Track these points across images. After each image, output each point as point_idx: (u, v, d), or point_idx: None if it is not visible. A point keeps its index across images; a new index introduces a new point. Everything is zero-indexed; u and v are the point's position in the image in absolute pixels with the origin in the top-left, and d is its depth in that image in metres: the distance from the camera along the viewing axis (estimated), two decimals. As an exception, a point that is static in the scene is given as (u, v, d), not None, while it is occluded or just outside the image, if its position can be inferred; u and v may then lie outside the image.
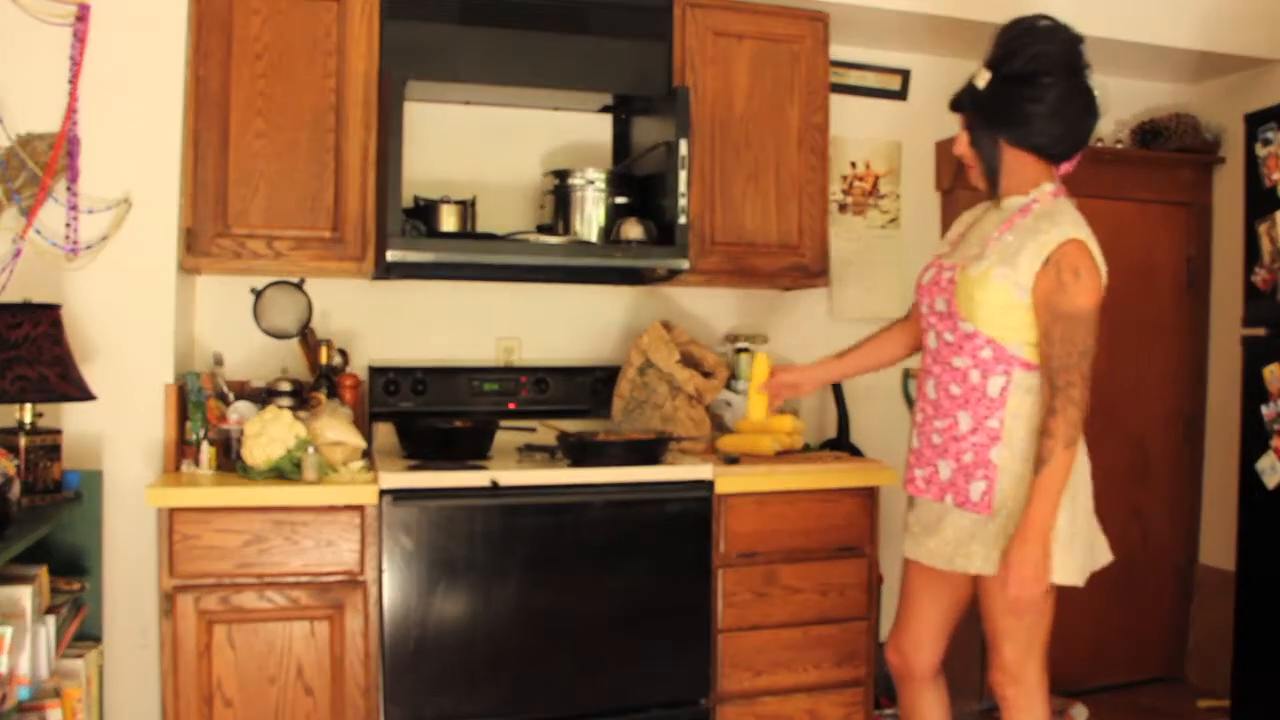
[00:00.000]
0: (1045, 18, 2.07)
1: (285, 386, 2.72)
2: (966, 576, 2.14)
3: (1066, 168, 2.12)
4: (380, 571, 2.38)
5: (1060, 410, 1.94)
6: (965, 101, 2.12)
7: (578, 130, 3.14)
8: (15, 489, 2.06)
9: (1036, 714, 2.12)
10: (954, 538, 2.09)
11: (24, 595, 1.96)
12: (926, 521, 2.16)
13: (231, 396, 2.68)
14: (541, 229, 2.94)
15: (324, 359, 2.80)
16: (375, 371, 2.91)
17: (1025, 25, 2.07)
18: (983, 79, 2.07)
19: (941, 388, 2.11)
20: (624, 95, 3.01)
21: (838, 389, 3.11)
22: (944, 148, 3.49)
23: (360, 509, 2.37)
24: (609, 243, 2.80)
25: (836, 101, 3.16)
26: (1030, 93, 2.01)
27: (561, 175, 2.90)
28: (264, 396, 2.70)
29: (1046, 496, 1.94)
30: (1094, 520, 2.11)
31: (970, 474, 2.05)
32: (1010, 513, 2.02)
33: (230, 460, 2.51)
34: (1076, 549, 2.02)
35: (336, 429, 2.50)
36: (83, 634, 2.39)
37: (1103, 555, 2.14)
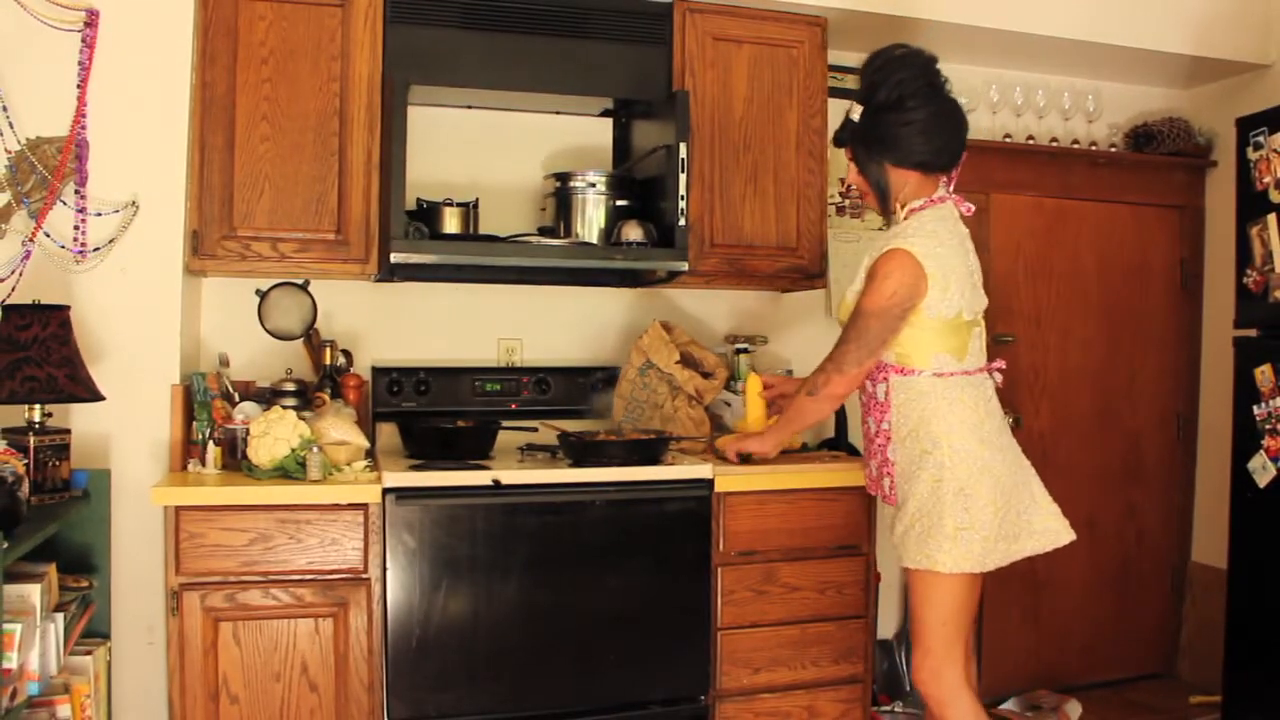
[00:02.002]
0: (901, 46, 2.27)
1: (290, 387, 2.74)
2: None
3: (955, 174, 2.32)
4: (384, 569, 2.40)
5: (820, 370, 2.30)
6: (845, 136, 2.33)
7: (578, 133, 3.17)
8: (24, 488, 2.08)
9: (965, 710, 2.20)
10: (891, 530, 2.30)
11: (33, 593, 1.99)
12: (888, 524, 2.35)
13: (237, 397, 2.71)
14: (543, 231, 2.96)
15: (328, 360, 2.82)
16: (378, 372, 2.94)
17: (885, 57, 2.27)
18: (856, 112, 2.29)
19: (862, 396, 2.37)
20: (624, 99, 3.03)
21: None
22: (940, 151, 3.52)
23: (364, 508, 2.39)
24: (609, 245, 2.83)
25: (835, 105, 3.18)
26: (901, 117, 2.22)
27: (562, 178, 2.93)
28: (269, 397, 2.73)
29: (785, 417, 2.45)
30: (1020, 514, 2.22)
31: (881, 471, 2.32)
32: (909, 504, 2.22)
33: (235, 460, 2.53)
34: (967, 541, 2.15)
35: (340, 429, 2.53)
36: (91, 631, 2.42)
37: (1039, 543, 2.26)
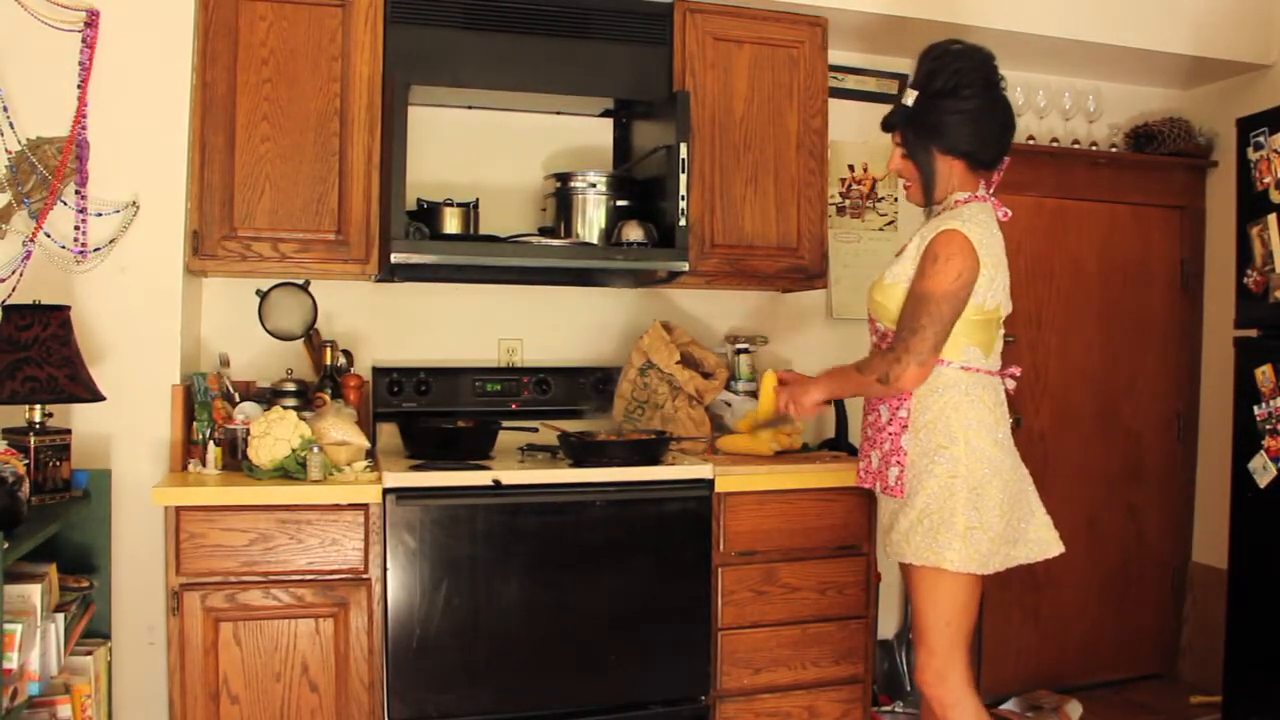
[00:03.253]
0: (958, 42, 2.27)
1: (290, 387, 2.75)
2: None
3: (995, 177, 2.30)
4: (384, 570, 2.40)
5: (893, 360, 2.16)
6: (898, 120, 2.31)
7: (579, 134, 3.17)
8: (25, 488, 2.08)
9: (972, 713, 2.19)
10: (889, 526, 2.28)
11: (34, 593, 1.99)
12: (883, 521, 2.33)
13: (237, 397, 2.71)
14: (543, 231, 2.97)
15: (328, 360, 2.83)
16: (379, 372, 2.94)
17: (943, 48, 2.27)
18: (911, 98, 2.27)
19: None
20: (625, 99, 3.04)
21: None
22: (940, 151, 3.52)
23: (364, 508, 2.40)
24: (610, 245, 2.83)
25: (835, 105, 3.19)
26: (954, 104, 2.21)
27: (563, 178, 2.93)
28: (269, 397, 2.73)
29: (837, 379, 2.36)
30: (1020, 521, 2.22)
31: (888, 461, 2.25)
32: (918, 498, 2.18)
33: (236, 460, 2.53)
34: (976, 540, 2.13)
35: (341, 429, 2.53)
36: (91, 631, 2.42)
37: (1031, 552, 2.25)
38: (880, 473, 2.28)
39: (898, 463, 2.23)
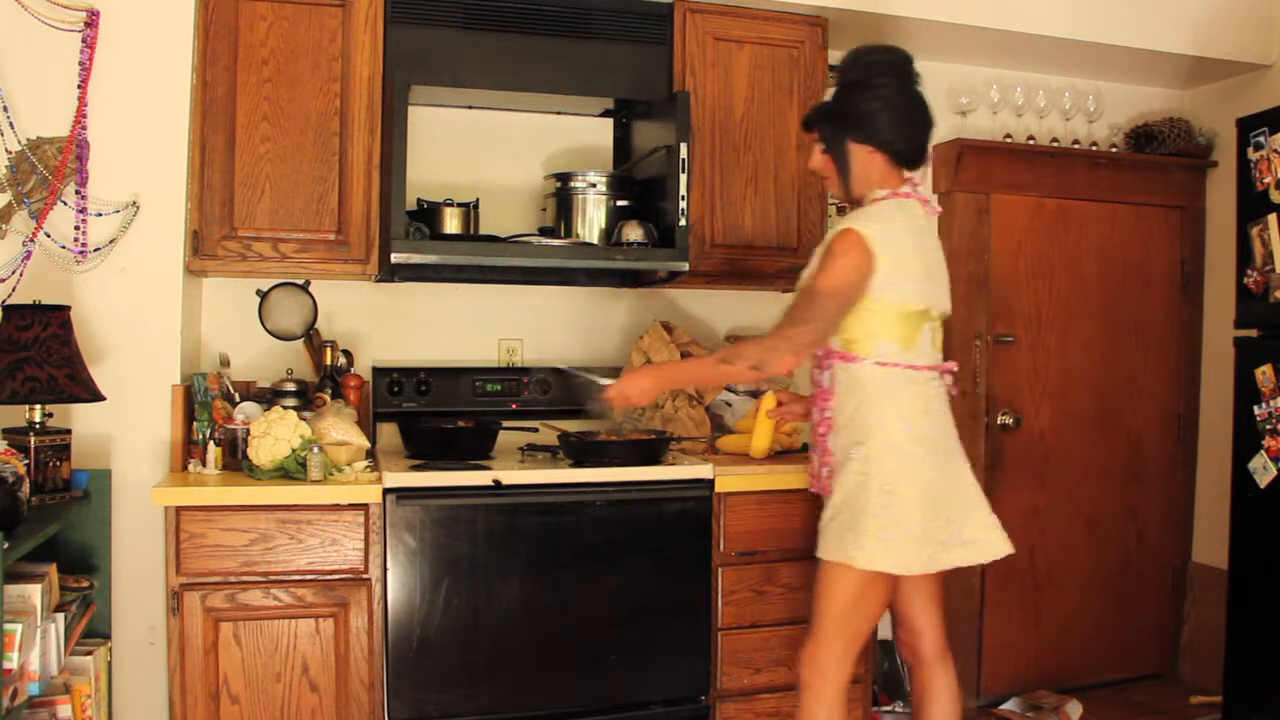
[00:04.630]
0: (882, 45, 2.36)
1: (290, 387, 2.75)
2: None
3: (916, 175, 2.31)
4: (384, 570, 2.41)
5: (759, 342, 2.22)
6: (815, 116, 2.34)
7: (579, 134, 3.17)
8: (25, 488, 2.08)
9: (826, 705, 2.21)
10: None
11: (34, 593, 1.99)
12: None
13: (237, 397, 2.71)
14: (543, 231, 2.97)
15: (328, 360, 2.83)
16: (379, 372, 2.94)
17: (861, 48, 2.34)
18: (828, 93, 2.31)
19: (812, 384, 2.36)
20: (625, 99, 3.04)
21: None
22: (941, 151, 3.53)
23: (364, 508, 2.40)
24: (610, 245, 2.83)
25: (834, 105, 3.19)
26: (868, 94, 2.24)
27: (563, 178, 2.93)
28: (269, 397, 2.73)
29: (686, 367, 2.45)
30: (951, 521, 2.17)
31: (821, 461, 2.30)
32: (837, 495, 2.20)
33: (236, 460, 2.53)
34: (887, 539, 2.12)
35: (341, 429, 2.53)
36: (91, 631, 2.42)
37: (972, 554, 2.20)
38: (818, 474, 2.32)
39: (825, 462, 2.27)
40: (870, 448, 2.16)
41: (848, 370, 2.22)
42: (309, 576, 2.37)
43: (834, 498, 2.21)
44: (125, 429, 2.51)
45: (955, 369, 2.31)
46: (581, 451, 2.62)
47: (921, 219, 2.27)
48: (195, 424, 2.57)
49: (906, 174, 2.30)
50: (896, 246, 2.17)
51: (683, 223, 2.75)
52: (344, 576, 2.40)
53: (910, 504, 2.13)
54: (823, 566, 2.22)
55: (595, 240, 2.87)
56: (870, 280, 2.16)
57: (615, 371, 3.04)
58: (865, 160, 2.26)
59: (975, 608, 3.52)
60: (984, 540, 2.22)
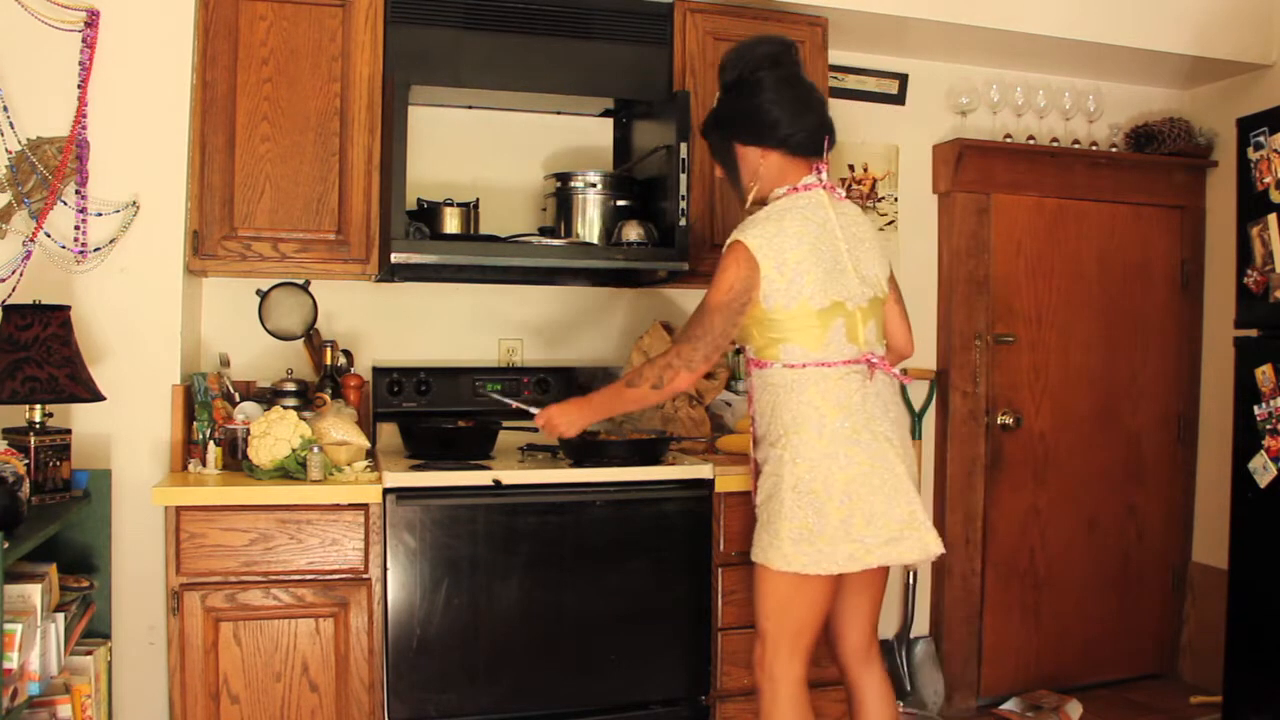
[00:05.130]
0: (761, 37, 2.29)
1: (290, 387, 2.75)
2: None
3: (821, 165, 2.24)
4: (384, 569, 2.40)
5: (653, 363, 2.22)
6: (704, 125, 2.33)
7: (579, 134, 3.17)
8: (25, 488, 2.08)
9: (781, 707, 2.19)
10: None
11: (34, 593, 1.99)
12: None
13: (237, 397, 2.71)
14: (543, 231, 2.97)
15: (329, 360, 2.83)
16: (379, 372, 2.94)
17: (740, 44, 2.29)
18: (716, 99, 2.28)
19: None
20: (625, 99, 3.04)
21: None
22: (941, 151, 3.53)
23: (364, 508, 2.40)
24: (610, 245, 2.83)
25: (835, 105, 3.14)
26: (747, 92, 2.20)
27: (563, 178, 2.93)
28: (269, 397, 2.73)
29: (600, 398, 2.32)
30: (861, 520, 2.08)
31: (751, 466, 2.32)
32: (758, 499, 2.22)
33: (236, 460, 2.53)
34: (799, 540, 2.09)
35: (341, 429, 2.53)
36: (91, 631, 2.42)
37: (886, 554, 2.11)
38: (752, 478, 2.33)
39: (755, 471, 2.28)
40: (781, 450, 2.14)
41: (760, 376, 2.22)
42: (309, 576, 2.37)
43: (757, 500, 2.23)
44: (125, 429, 2.51)
45: (876, 358, 2.19)
46: (581, 451, 2.62)
47: (827, 209, 2.19)
48: (195, 424, 2.57)
49: (816, 163, 2.23)
50: (781, 250, 2.11)
51: (683, 223, 2.75)
52: (344, 576, 2.40)
53: (824, 503, 2.08)
54: (754, 569, 2.23)
55: (595, 240, 2.87)
56: (759, 289, 2.13)
57: (615, 373, 3.05)
58: (756, 162, 2.22)
59: (975, 608, 3.52)
60: (913, 538, 2.12)
